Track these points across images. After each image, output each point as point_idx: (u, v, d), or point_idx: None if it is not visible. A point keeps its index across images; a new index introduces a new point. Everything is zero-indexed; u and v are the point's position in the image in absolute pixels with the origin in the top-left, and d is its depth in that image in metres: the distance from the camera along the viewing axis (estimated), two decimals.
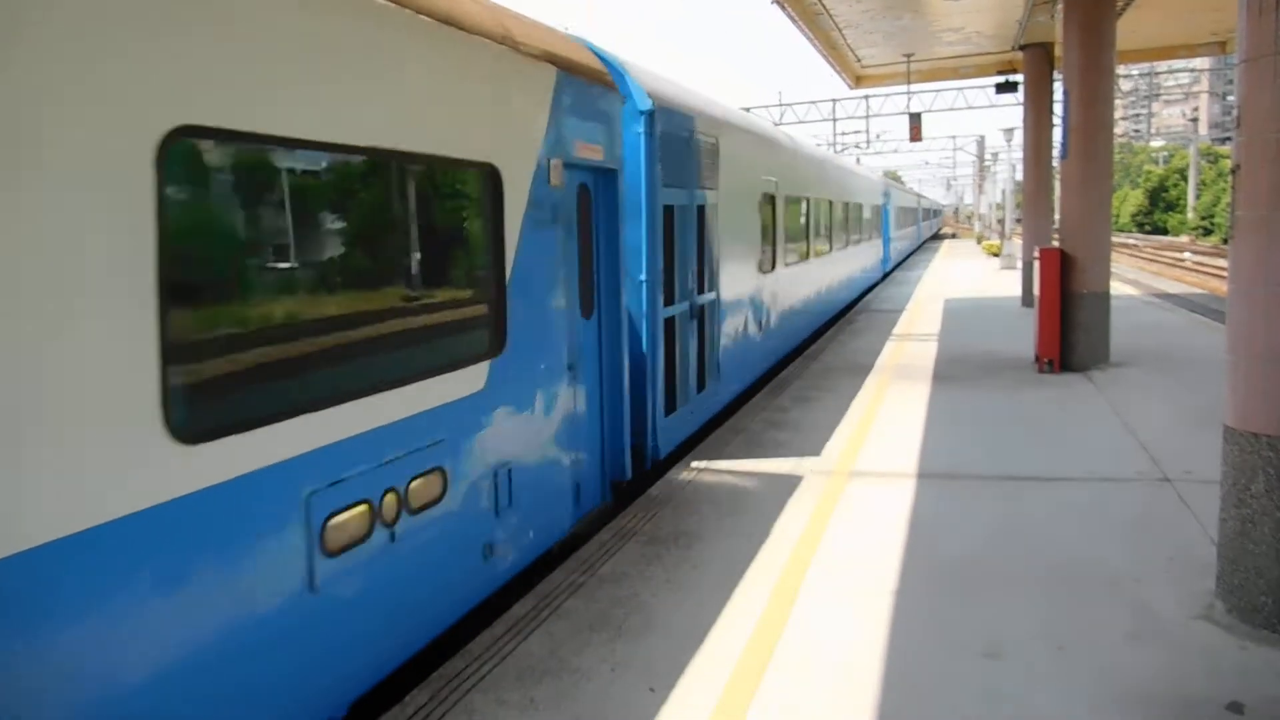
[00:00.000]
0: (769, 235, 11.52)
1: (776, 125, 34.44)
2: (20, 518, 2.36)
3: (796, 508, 6.54)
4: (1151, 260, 43.34)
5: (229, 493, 2.97)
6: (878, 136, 60.01)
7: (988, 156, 67.79)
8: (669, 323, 7.63)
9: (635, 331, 6.98)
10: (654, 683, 4.15)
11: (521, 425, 4.95)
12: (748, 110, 23.18)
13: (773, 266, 11.77)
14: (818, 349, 14.35)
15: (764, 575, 5.35)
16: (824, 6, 15.37)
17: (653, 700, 4.01)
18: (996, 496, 6.67)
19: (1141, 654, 4.28)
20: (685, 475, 7.43)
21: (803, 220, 14.18)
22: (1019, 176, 27.33)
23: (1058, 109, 14.61)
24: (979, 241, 55.14)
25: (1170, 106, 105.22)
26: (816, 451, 8.06)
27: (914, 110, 26.00)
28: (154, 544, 2.73)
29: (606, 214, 6.37)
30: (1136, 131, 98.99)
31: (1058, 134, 13.02)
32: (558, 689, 4.12)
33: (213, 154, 3.06)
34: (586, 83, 5.86)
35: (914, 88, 24.83)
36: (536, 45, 5.19)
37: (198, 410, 2.92)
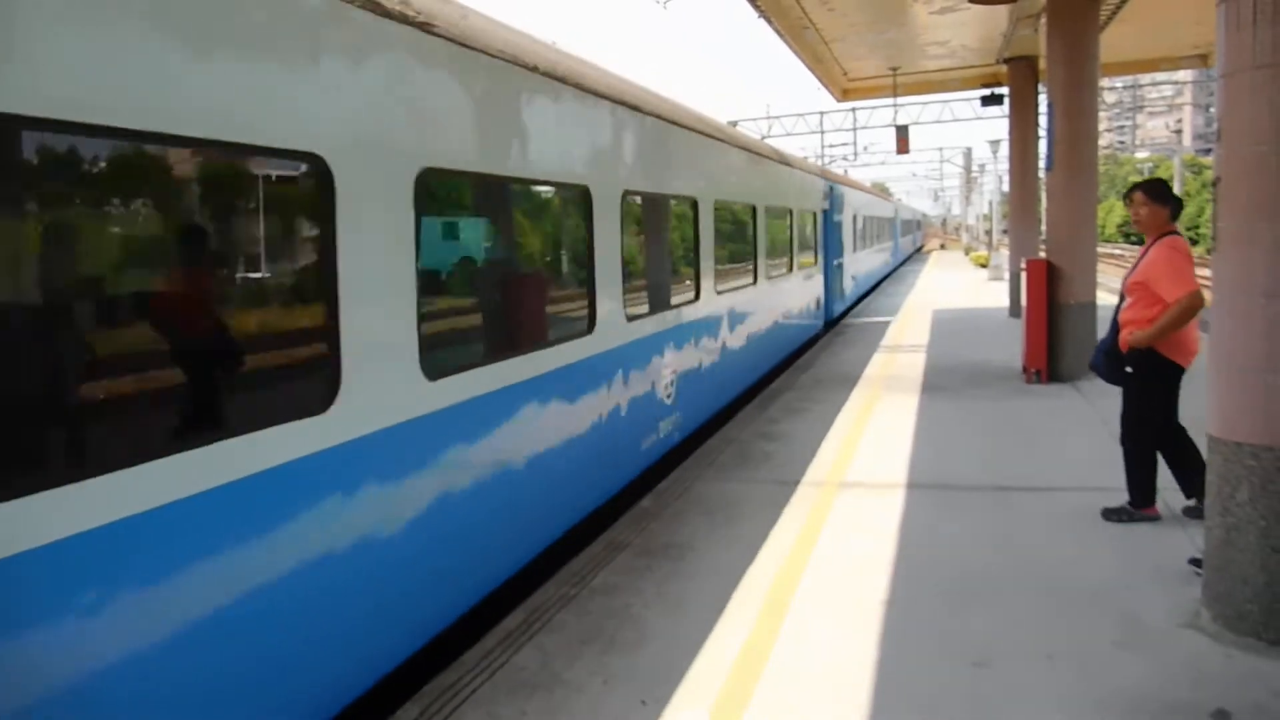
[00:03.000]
0: None
1: (764, 138, 33.36)
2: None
3: (788, 519, 6.56)
4: None
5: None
6: (865, 149, 60.33)
7: (974, 168, 68.20)
8: None
9: None
10: (646, 695, 4.16)
11: None
12: (734, 124, 23.12)
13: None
14: (807, 360, 14.40)
15: (756, 586, 5.36)
16: (810, 21, 15.49)
17: (645, 713, 4.02)
18: (985, 506, 6.71)
19: (1129, 662, 4.32)
20: (677, 483, 7.45)
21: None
22: (1005, 188, 27.52)
23: (1043, 121, 14.73)
24: (967, 253, 55.39)
25: (1154, 118, 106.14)
26: (807, 462, 8.08)
27: (901, 123, 26.20)
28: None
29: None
30: (1121, 143, 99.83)
31: (1043, 146, 13.12)
32: (550, 702, 4.12)
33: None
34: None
35: (900, 100, 25.02)
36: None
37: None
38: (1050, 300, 11.68)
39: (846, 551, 5.90)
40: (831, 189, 18.84)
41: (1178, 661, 4.30)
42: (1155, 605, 4.91)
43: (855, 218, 23.42)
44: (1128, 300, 6.08)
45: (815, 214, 16.92)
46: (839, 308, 19.96)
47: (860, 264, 25.32)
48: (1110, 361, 6.16)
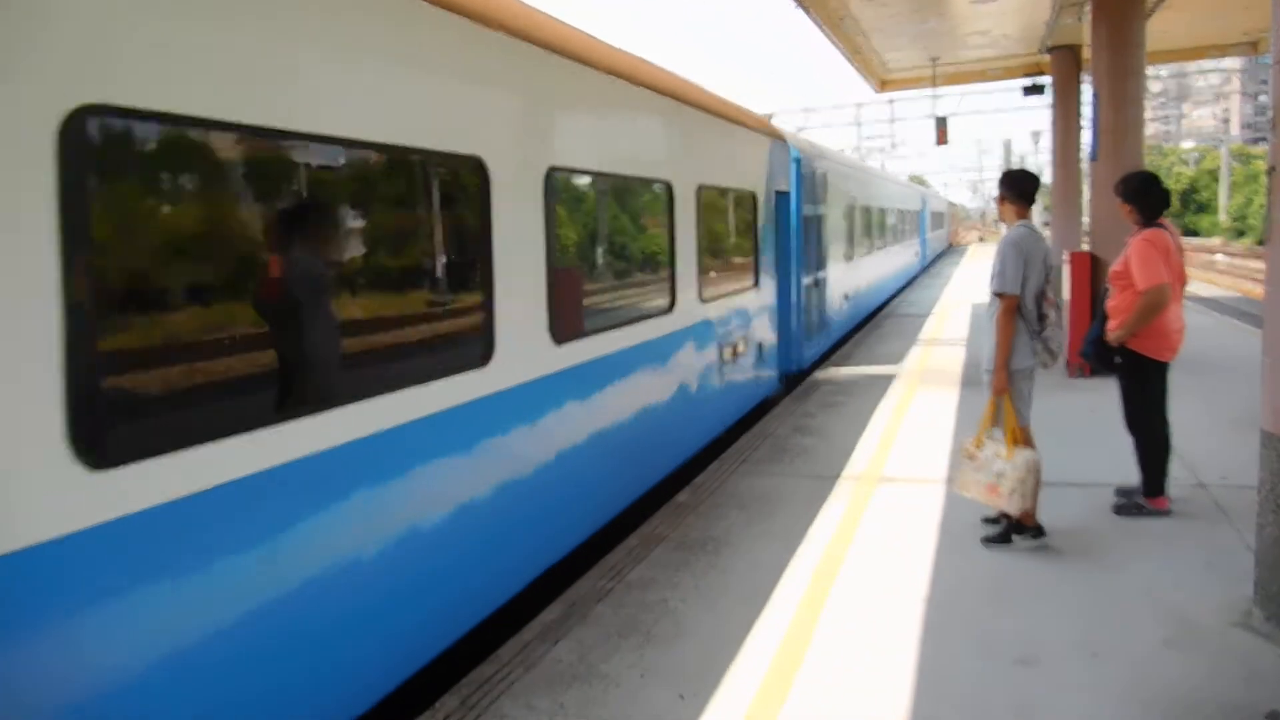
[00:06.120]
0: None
1: (800, 130, 33.90)
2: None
3: (825, 513, 6.51)
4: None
5: None
6: (902, 141, 59.80)
7: (1015, 159, 67.26)
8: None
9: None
10: (683, 690, 4.14)
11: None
12: (771, 116, 23.04)
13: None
14: (842, 356, 14.28)
15: (794, 581, 5.33)
16: (849, 11, 15.33)
17: (683, 707, 4.01)
18: None
19: (1177, 662, 4.23)
20: (714, 477, 7.43)
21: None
22: (1047, 179, 27.09)
23: (1086, 111, 14.46)
24: None
25: (1201, 107, 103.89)
26: (845, 457, 8.02)
27: (940, 114, 25.89)
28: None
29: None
30: (1167, 132, 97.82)
31: (1086, 136, 12.89)
32: (587, 695, 4.12)
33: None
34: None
35: (940, 91, 24.74)
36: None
37: None
38: (1094, 293, 11.45)
39: (885, 547, 5.84)
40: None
41: (1228, 661, 4.20)
42: (1205, 603, 4.80)
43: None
44: (1112, 291, 6.16)
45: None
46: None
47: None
48: (1099, 351, 6.27)
